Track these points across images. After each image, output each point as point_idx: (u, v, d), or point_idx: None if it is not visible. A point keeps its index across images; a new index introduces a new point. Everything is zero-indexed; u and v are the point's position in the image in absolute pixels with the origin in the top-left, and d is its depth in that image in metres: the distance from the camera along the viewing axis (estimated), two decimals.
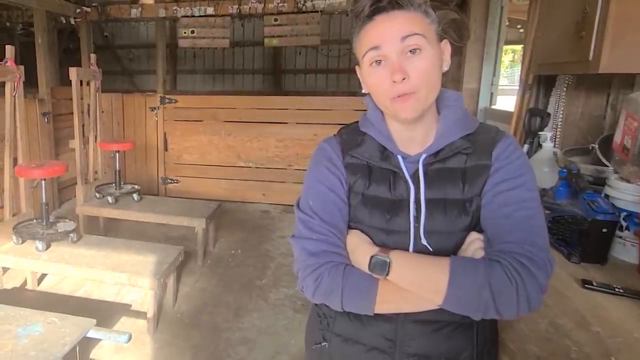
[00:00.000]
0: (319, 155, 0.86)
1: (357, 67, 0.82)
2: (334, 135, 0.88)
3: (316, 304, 0.95)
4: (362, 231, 0.81)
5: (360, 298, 0.75)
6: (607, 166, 1.47)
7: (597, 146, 1.54)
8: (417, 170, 0.78)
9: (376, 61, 0.74)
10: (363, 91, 0.82)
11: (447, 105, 0.80)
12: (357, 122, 0.86)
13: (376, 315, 0.79)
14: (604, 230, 1.17)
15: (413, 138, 0.80)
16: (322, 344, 0.90)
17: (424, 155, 0.78)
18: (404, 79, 0.71)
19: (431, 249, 0.76)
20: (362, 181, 0.81)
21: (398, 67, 0.71)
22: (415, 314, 0.78)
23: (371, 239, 0.79)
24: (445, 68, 0.77)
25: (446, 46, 0.78)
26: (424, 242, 0.76)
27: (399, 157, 0.79)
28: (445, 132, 0.78)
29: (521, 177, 0.75)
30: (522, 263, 0.68)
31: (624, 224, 1.22)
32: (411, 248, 0.77)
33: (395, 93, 0.73)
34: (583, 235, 1.20)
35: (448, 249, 0.76)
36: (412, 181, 0.78)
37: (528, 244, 0.70)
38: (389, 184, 0.79)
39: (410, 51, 0.72)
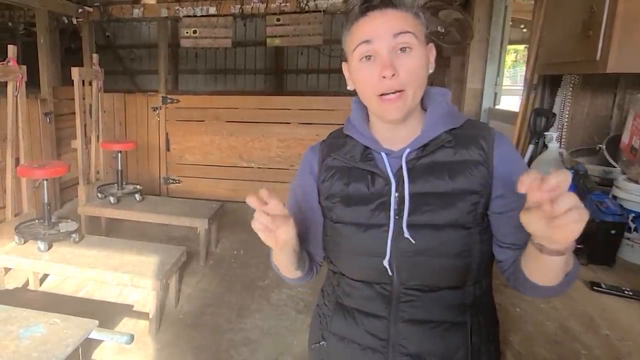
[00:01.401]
0: (301, 163, 0.93)
1: (343, 64, 0.83)
2: (322, 140, 0.92)
3: (317, 305, 0.97)
4: (343, 229, 0.83)
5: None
6: (614, 167, 1.46)
7: (604, 147, 1.53)
8: (401, 165, 0.78)
9: (366, 56, 0.74)
10: (348, 88, 0.83)
11: (433, 101, 0.82)
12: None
13: (366, 313, 0.82)
14: (612, 231, 1.15)
15: (397, 137, 0.81)
16: (321, 343, 0.91)
17: (407, 150, 0.79)
18: (393, 75, 0.72)
19: (414, 242, 0.76)
20: (341, 182, 0.83)
21: (388, 63, 0.72)
22: (406, 313, 0.79)
23: (350, 236, 0.81)
24: (430, 70, 0.79)
25: (432, 50, 0.79)
26: (406, 234, 0.76)
27: (383, 154, 0.80)
28: (431, 127, 0.79)
29: None
30: None
31: (632, 225, 1.20)
32: (389, 242, 0.77)
33: (384, 89, 0.73)
34: (591, 236, 1.18)
35: (433, 244, 0.76)
36: (395, 176, 0.78)
37: None
38: (367, 182, 0.81)
39: (401, 49, 0.73)
